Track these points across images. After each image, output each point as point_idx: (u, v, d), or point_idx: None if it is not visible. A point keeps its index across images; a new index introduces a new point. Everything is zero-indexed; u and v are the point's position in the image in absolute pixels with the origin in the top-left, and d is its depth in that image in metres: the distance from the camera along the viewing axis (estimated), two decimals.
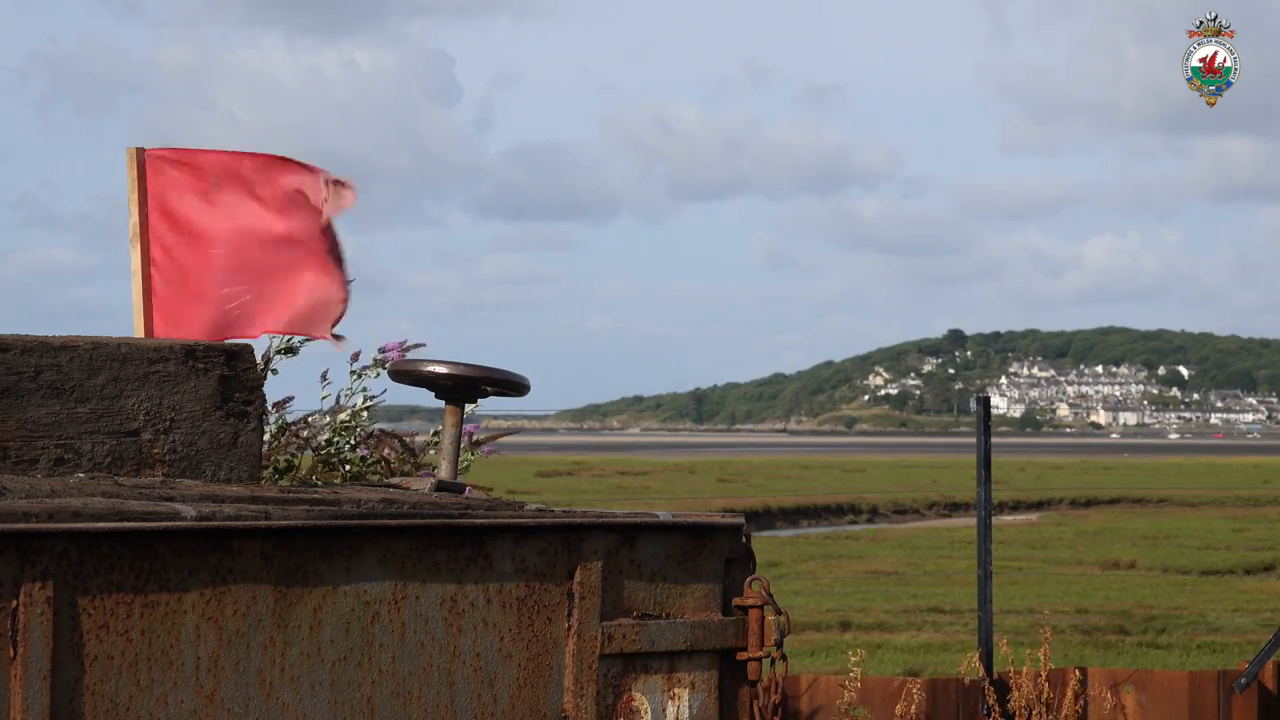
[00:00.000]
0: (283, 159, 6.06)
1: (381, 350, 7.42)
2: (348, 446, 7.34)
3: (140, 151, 6.09)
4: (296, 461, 7.30)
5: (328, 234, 6.01)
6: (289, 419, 7.35)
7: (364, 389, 7.42)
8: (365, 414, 7.42)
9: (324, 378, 7.50)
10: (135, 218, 6.04)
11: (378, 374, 7.45)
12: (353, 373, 7.50)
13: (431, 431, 7.69)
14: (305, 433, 7.40)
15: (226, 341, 4.84)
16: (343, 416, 7.38)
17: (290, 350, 7.17)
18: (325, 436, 7.36)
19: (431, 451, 7.49)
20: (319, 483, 7.00)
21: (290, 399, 7.33)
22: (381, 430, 7.61)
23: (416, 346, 7.43)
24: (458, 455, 4.99)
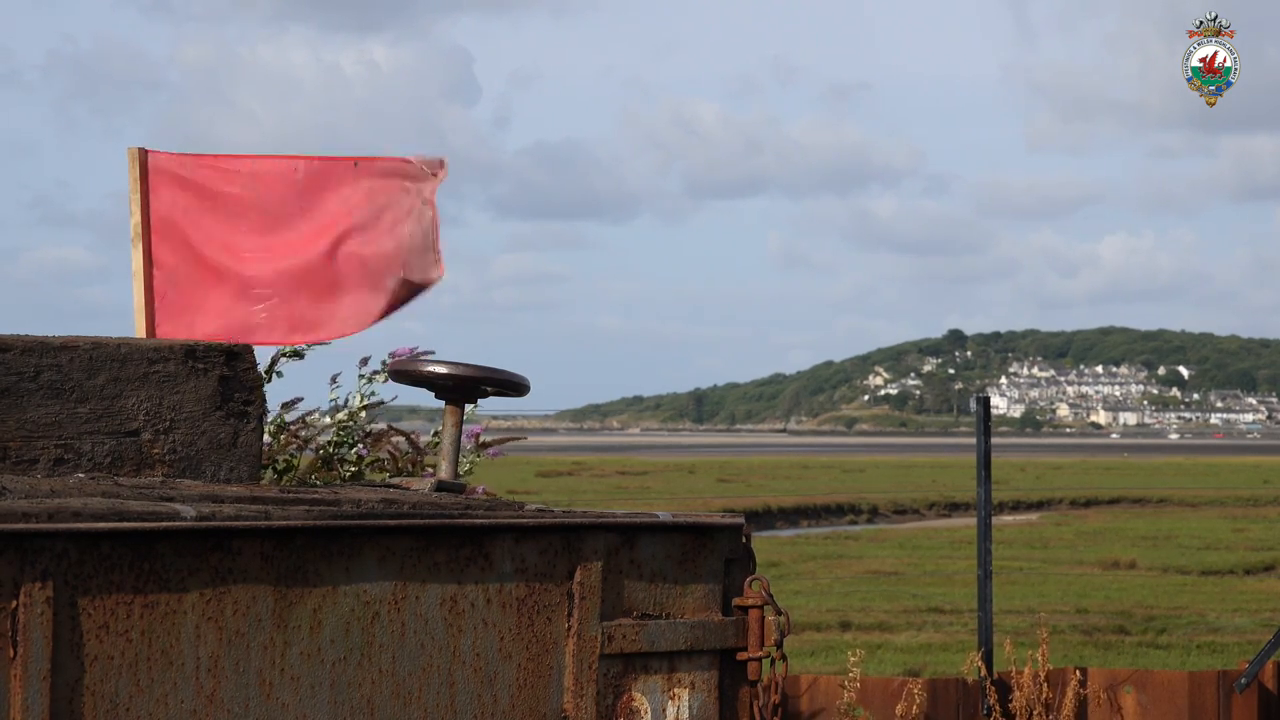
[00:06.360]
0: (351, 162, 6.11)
1: (392, 355, 7.42)
2: (346, 446, 7.33)
3: (143, 152, 6.09)
4: (295, 462, 7.30)
5: (399, 253, 6.07)
6: (288, 419, 7.34)
7: (372, 392, 7.42)
8: (364, 414, 7.42)
9: (334, 381, 7.51)
10: (137, 218, 6.04)
11: (386, 378, 7.44)
12: (361, 376, 7.51)
13: (432, 432, 7.69)
14: (304, 433, 7.40)
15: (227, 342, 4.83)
16: (340, 416, 7.39)
17: (297, 354, 7.17)
18: (326, 437, 7.36)
19: (431, 453, 7.49)
20: (318, 482, 7.00)
21: (299, 400, 7.32)
22: (389, 425, 7.63)
23: (427, 354, 7.43)
24: (458, 456, 4.98)
